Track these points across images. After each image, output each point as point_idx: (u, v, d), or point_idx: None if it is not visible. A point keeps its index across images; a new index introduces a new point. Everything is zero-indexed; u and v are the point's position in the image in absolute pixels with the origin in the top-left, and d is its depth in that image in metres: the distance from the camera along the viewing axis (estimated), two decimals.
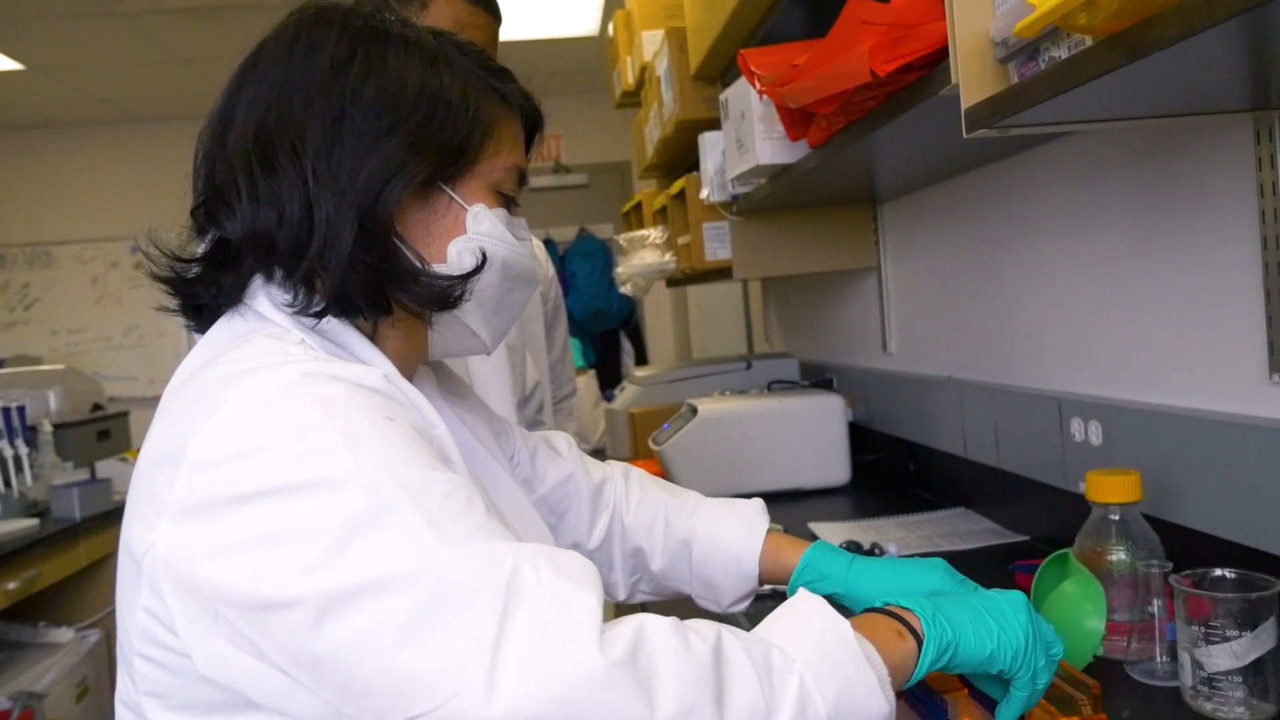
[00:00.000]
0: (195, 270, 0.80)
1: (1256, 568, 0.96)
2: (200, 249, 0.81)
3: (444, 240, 0.80)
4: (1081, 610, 1.04)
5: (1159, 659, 1.03)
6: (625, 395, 2.76)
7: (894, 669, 0.72)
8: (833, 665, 0.67)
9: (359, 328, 0.79)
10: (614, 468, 1.14)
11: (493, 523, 0.67)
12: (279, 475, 0.63)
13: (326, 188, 0.74)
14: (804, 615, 0.71)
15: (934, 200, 1.95)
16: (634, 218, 3.14)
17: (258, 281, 0.79)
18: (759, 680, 0.64)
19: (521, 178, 0.87)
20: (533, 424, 1.90)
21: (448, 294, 0.79)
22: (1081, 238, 1.44)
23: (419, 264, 0.78)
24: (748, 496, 2.10)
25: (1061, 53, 0.88)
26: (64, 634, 2.73)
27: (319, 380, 0.68)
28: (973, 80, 0.99)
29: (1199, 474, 1.18)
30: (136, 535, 0.70)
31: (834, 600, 0.98)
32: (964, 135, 1.00)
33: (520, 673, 0.58)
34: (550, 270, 1.98)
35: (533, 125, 0.90)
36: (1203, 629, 0.93)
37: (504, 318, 0.87)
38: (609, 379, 4.49)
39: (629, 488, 1.11)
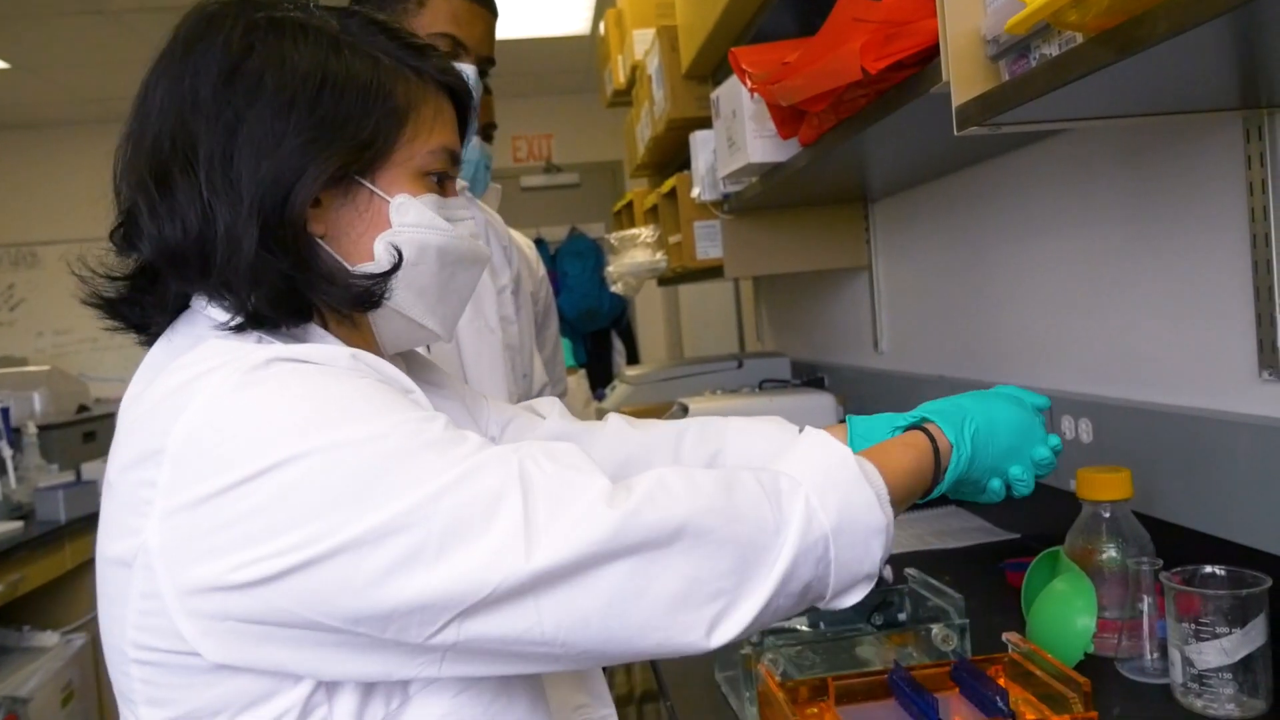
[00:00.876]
0: (121, 291, 0.79)
1: (1246, 564, 0.97)
2: (127, 269, 0.79)
3: (370, 236, 0.78)
4: (1072, 608, 1.04)
5: (1149, 656, 1.03)
6: (616, 394, 2.75)
7: (906, 475, 0.82)
8: (835, 485, 0.74)
9: (314, 324, 0.78)
10: (611, 417, 1.11)
11: (484, 444, 0.70)
12: (274, 451, 0.63)
13: (222, 196, 0.72)
14: (808, 447, 0.79)
15: (925, 199, 1.95)
16: (625, 216, 3.14)
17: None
18: (769, 502, 0.71)
19: (454, 157, 0.84)
20: None
21: (369, 294, 0.77)
22: (1072, 236, 1.45)
23: (340, 264, 0.77)
24: None
25: (1052, 50, 0.88)
26: (49, 638, 2.71)
27: (284, 363, 0.68)
28: (964, 78, 0.99)
29: (1189, 471, 1.18)
30: (120, 546, 0.68)
31: None
32: (955, 133, 1.00)
33: (554, 545, 0.64)
34: (541, 270, 1.98)
35: (462, 101, 0.87)
36: (1193, 626, 0.93)
37: (452, 304, 0.86)
38: (600, 378, 4.48)
39: (631, 423, 1.08)
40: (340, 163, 0.75)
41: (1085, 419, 1.38)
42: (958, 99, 0.99)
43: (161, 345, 0.78)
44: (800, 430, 1.02)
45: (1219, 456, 1.13)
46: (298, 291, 0.75)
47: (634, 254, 2.66)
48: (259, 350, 0.70)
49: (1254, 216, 1.09)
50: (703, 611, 0.68)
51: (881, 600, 1.17)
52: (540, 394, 1.88)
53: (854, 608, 1.16)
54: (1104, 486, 1.10)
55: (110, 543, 0.70)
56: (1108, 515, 1.11)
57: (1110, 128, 1.27)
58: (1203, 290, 1.19)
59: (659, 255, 2.61)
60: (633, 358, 5.72)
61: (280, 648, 0.66)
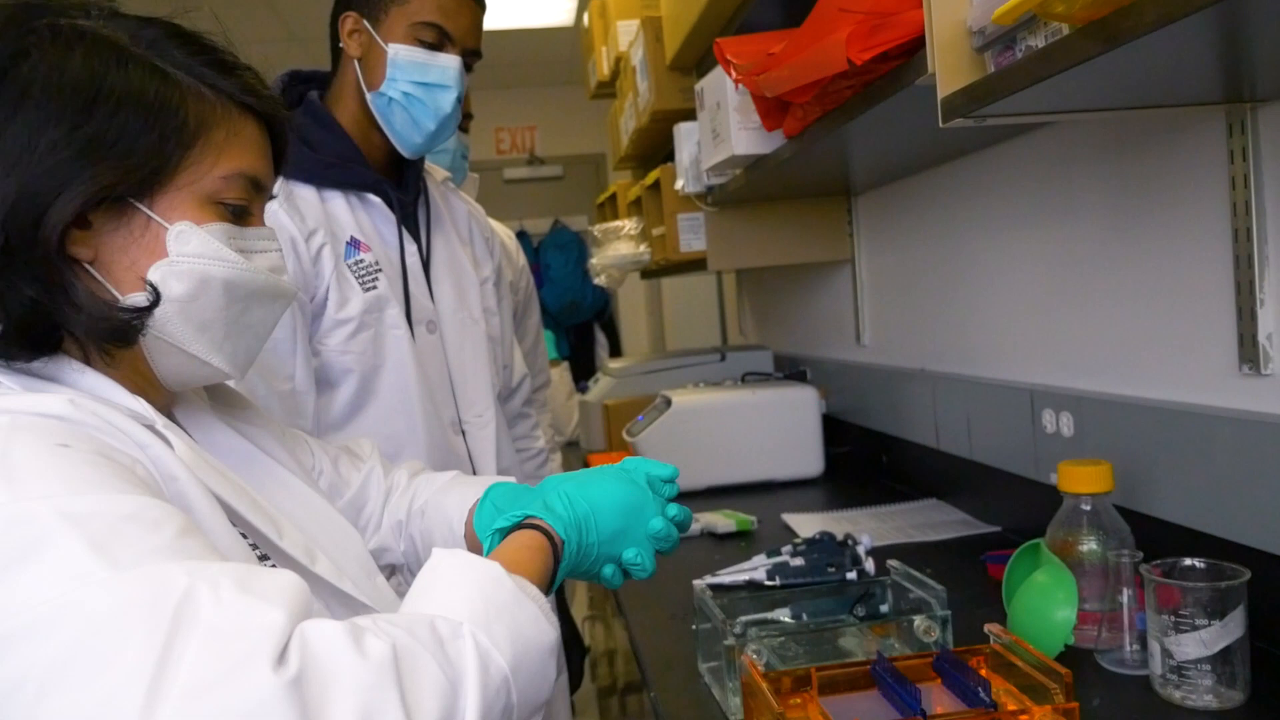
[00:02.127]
0: None
1: (1225, 557, 0.97)
2: None
3: (145, 264, 0.72)
4: (1053, 600, 1.04)
5: (1129, 648, 1.04)
6: (599, 387, 2.75)
7: (541, 582, 0.77)
8: (499, 611, 0.67)
9: (72, 356, 0.73)
10: (403, 465, 1.16)
11: (185, 541, 0.60)
12: None
13: None
14: (455, 571, 0.70)
15: (908, 193, 1.96)
16: (609, 209, 3.13)
17: None
18: (435, 660, 0.61)
19: (255, 185, 0.78)
20: (518, 417, 1.89)
21: (125, 328, 0.71)
22: (1055, 230, 1.45)
23: (104, 292, 0.72)
24: (722, 488, 2.11)
25: (1038, 42, 0.88)
26: None
27: None
28: (949, 69, 0.98)
29: (1169, 465, 1.19)
30: None
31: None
32: (940, 125, 1.00)
33: (184, 706, 0.52)
34: (521, 260, 1.97)
35: (273, 125, 0.81)
36: (1172, 618, 0.94)
37: (245, 340, 0.80)
38: (583, 371, 4.47)
39: (410, 477, 1.13)
40: (108, 182, 0.69)
41: (1066, 412, 1.38)
42: (943, 90, 0.98)
43: None
44: (468, 486, 1.07)
45: (1199, 450, 1.14)
46: (46, 320, 0.70)
47: (617, 246, 2.66)
48: None
49: (1235, 211, 1.09)
50: None
51: (864, 592, 1.18)
52: (520, 385, 1.88)
53: (837, 600, 1.18)
54: (1084, 479, 1.11)
55: None
56: (1088, 508, 1.12)
57: (1094, 121, 1.28)
58: (1184, 284, 1.20)
59: (642, 248, 2.61)
60: (615, 350, 5.73)
61: None
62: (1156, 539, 1.16)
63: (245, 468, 0.85)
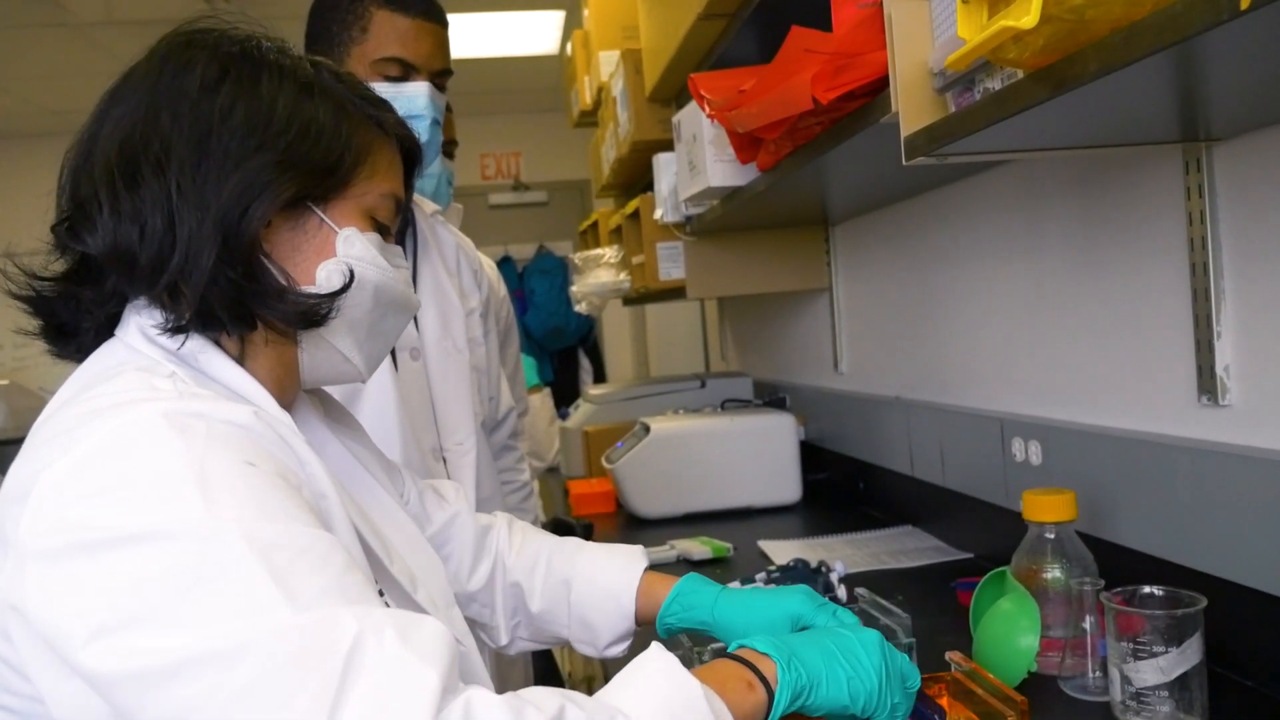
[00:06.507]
0: (55, 288, 0.79)
1: (1184, 584, 0.99)
2: (61, 267, 0.79)
3: (314, 261, 0.80)
4: (1017, 627, 1.06)
5: (1091, 674, 1.05)
6: (580, 413, 2.76)
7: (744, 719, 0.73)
8: None
9: (228, 353, 0.78)
10: (499, 516, 1.15)
11: (349, 579, 0.65)
12: (123, 522, 0.62)
13: (190, 202, 0.74)
14: (652, 677, 0.71)
15: (884, 223, 1.99)
16: (591, 236, 3.16)
17: (130, 312, 0.78)
18: None
19: (398, 207, 0.87)
20: (504, 449, 1.90)
21: (314, 311, 0.78)
22: (1022, 262, 1.48)
23: (285, 282, 0.78)
24: (700, 515, 2.13)
25: (995, 84, 0.91)
26: None
27: (179, 418, 0.67)
28: (912, 109, 1.01)
29: (1132, 493, 1.21)
30: None
31: (702, 631, 0.99)
32: (903, 163, 1.03)
33: None
34: (503, 290, 1.99)
35: (410, 156, 0.91)
36: (1131, 645, 0.96)
37: (378, 343, 0.87)
38: (567, 397, 4.48)
39: (511, 533, 1.12)
40: (300, 185, 0.77)
41: (1034, 441, 1.41)
42: (906, 130, 1.01)
43: (86, 367, 0.77)
44: (647, 565, 1.05)
45: (1159, 479, 1.16)
46: (244, 303, 0.76)
47: (598, 274, 2.68)
48: (164, 396, 0.69)
49: (1193, 246, 1.12)
50: None
51: None
52: (506, 418, 1.89)
53: None
54: (1048, 508, 1.13)
55: None
56: (1052, 536, 1.14)
57: (1057, 158, 1.31)
58: (1145, 317, 1.22)
59: (622, 275, 2.63)
60: (599, 376, 5.74)
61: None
62: (1119, 565, 1.18)
63: (352, 485, 0.88)
